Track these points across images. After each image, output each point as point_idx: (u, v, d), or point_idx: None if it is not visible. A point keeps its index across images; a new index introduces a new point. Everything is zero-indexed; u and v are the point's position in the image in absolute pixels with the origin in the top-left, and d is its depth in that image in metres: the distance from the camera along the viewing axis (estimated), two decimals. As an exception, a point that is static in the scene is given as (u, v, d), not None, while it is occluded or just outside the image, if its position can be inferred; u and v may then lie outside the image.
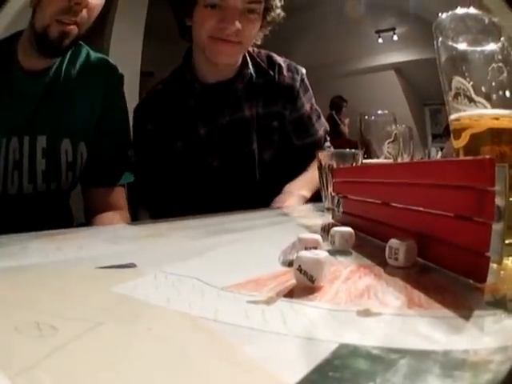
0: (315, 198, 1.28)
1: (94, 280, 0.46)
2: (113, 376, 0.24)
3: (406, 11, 5.62)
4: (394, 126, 1.26)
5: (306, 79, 1.47)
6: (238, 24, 1.17)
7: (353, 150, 1.05)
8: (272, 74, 1.39)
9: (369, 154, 1.20)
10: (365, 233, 0.63)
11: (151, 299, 0.37)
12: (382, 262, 0.47)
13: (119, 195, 1.23)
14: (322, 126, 1.50)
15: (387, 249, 0.46)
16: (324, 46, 5.98)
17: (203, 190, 1.30)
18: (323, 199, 1.06)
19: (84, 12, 1.01)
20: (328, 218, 0.87)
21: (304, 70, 1.48)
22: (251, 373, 0.24)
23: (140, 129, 1.35)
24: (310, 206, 1.21)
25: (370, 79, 6.72)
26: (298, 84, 1.43)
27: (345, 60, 6.62)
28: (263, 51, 1.43)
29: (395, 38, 6.44)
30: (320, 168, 1.05)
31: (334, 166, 1.00)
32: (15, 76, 1.07)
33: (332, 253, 0.50)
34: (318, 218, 0.95)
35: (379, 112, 1.28)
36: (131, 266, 0.51)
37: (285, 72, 1.41)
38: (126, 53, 3.81)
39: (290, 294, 0.38)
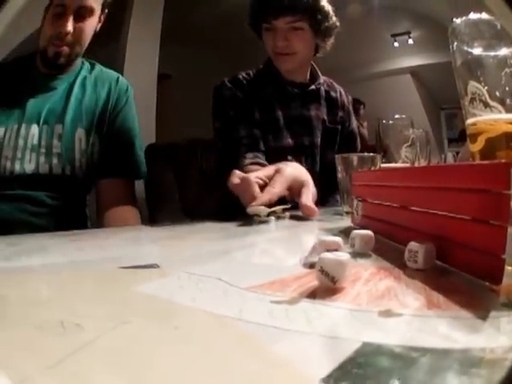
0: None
1: (117, 280, 0.48)
2: (139, 374, 0.24)
3: (420, 14, 5.61)
4: (411, 130, 1.27)
5: None
6: (285, 41, 1.48)
7: (371, 154, 1.06)
8: (335, 92, 1.70)
9: (387, 158, 1.21)
10: (384, 236, 0.64)
11: (176, 298, 0.39)
12: (401, 265, 0.48)
13: (128, 190, 1.35)
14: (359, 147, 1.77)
15: (406, 251, 0.47)
16: (340, 50, 5.95)
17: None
18: (340, 203, 1.07)
19: (69, 37, 1.22)
20: (347, 222, 0.87)
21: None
22: (279, 369, 0.25)
23: (224, 94, 1.56)
24: (328, 209, 1.22)
25: (386, 83, 6.70)
26: (350, 107, 1.76)
27: (361, 64, 6.61)
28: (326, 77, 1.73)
29: (410, 41, 6.41)
30: (339, 170, 1.06)
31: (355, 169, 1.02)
32: (36, 77, 1.29)
33: (352, 255, 0.51)
34: (337, 222, 0.96)
35: (396, 116, 1.29)
36: (154, 266, 0.52)
37: (343, 95, 1.73)
38: (143, 56, 3.85)
39: (313, 294, 0.39)
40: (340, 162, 1.08)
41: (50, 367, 0.25)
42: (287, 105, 1.57)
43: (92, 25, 1.27)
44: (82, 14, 1.22)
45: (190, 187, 1.70)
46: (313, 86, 1.63)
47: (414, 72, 6.77)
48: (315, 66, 1.67)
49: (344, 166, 1.06)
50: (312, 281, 0.42)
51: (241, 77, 1.60)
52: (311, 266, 0.48)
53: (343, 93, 1.75)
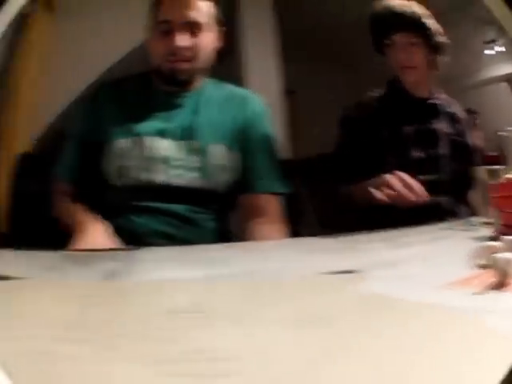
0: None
1: (325, 283, 0.59)
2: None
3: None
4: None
5: None
6: (406, 53, 1.55)
7: (504, 167, 1.13)
8: (452, 107, 1.72)
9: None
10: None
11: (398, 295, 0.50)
12: None
13: (272, 204, 1.32)
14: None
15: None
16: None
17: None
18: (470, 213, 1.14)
19: (184, 52, 1.19)
20: (487, 231, 0.95)
21: None
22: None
23: (354, 118, 1.65)
24: (463, 221, 1.29)
25: (484, 92, 6.56)
26: (466, 127, 1.74)
27: (462, 73, 6.50)
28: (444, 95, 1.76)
29: (499, 48, 6.27)
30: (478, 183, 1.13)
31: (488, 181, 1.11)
32: (157, 94, 1.27)
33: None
34: (479, 232, 1.02)
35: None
36: (351, 271, 0.63)
37: (459, 114, 1.73)
38: (264, 72, 3.81)
39: (495, 286, 0.49)
40: (483, 174, 1.17)
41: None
42: (413, 120, 1.63)
43: (207, 40, 1.24)
44: (192, 29, 1.20)
45: (325, 199, 1.78)
46: (433, 100, 1.68)
47: (510, 79, 6.59)
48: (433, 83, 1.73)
49: (484, 178, 1.14)
50: (489, 278, 0.51)
51: (372, 97, 1.69)
52: (483, 266, 0.58)
53: (460, 108, 1.80)
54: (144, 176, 1.21)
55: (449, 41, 1.61)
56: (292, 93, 4.45)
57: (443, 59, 1.62)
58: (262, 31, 3.86)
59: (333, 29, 4.71)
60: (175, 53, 1.19)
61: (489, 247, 0.61)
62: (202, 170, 1.24)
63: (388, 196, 1.31)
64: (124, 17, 2.12)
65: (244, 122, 1.32)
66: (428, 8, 1.63)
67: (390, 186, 1.33)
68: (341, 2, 4.46)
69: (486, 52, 6.31)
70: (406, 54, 1.56)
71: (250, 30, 3.86)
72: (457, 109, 1.74)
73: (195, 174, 1.24)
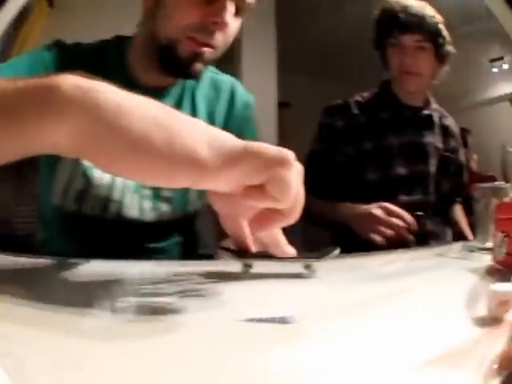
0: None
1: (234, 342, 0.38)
2: None
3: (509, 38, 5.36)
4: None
5: None
6: (413, 59, 1.44)
7: (506, 183, 0.95)
8: (447, 120, 1.63)
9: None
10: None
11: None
12: None
13: None
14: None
15: None
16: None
17: (384, 194, 1.39)
18: (468, 237, 0.95)
19: (219, 35, 0.87)
20: (485, 260, 0.75)
21: None
22: None
23: (321, 122, 1.56)
24: (457, 245, 1.09)
25: (487, 111, 6.40)
26: (459, 137, 1.68)
27: (462, 92, 6.36)
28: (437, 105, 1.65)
29: (505, 66, 6.13)
30: (477, 202, 0.95)
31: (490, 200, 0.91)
32: (133, 88, 0.96)
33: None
34: (476, 261, 0.83)
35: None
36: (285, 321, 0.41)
37: (454, 123, 1.66)
38: (259, 84, 3.77)
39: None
40: (479, 192, 0.98)
41: None
42: (402, 131, 1.50)
43: (236, 28, 0.92)
44: (239, 6, 0.88)
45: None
46: (427, 111, 1.56)
47: (513, 99, 6.44)
48: (428, 92, 1.62)
49: (482, 197, 0.96)
50: (494, 347, 0.31)
51: (353, 101, 1.55)
52: (487, 322, 0.37)
53: (453, 121, 1.67)
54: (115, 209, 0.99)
55: (454, 51, 1.51)
56: (287, 105, 4.43)
57: (445, 70, 1.53)
58: (261, 43, 3.93)
59: (330, 43, 4.72)
60: (213, 32, 0.86)
61: (503, 295, 0.40)
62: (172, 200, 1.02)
63: (385, 237, 1.23)
64: (123, 13, 2.01)
65: (227, 125, 1.05)
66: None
67: (375, 220, 1.24)
68: (338, 17, 4.50)
69: (494, 70, 6.21)
70: (412, 59, 1.43)
71: (249, 41, 3.77)
72: (450, 122, 1.63)
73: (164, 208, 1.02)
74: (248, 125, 1.11)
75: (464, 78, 5.96)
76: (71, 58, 0.92)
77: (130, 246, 0.91)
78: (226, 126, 1.04)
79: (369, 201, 1.33)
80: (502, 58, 6.04)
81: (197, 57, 0.88)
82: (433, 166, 1.52)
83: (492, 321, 0.38)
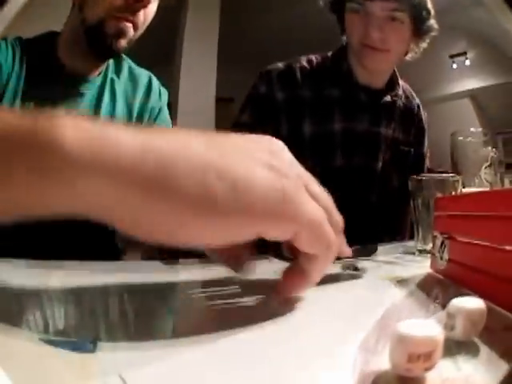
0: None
1: None
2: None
3: (476, 33, 5.36)
4: (489, 148, 1.05)
5: None
6: (380, 32, 1.15)
7: (453, 175, 0.83)
8: (412, 105, 1.40)
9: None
10: (486, 298, 0.40)
11: None
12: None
13: None
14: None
15: None
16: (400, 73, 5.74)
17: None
18: (415, 237, 0.83)
19: (141, 14, 0.96)
20: (424, 267, 0.62)
21: None
22: None
23: (267, 95, 1.25)
24: (394, 245, 0.96)
25: (445, 108, 6.39)
26: (425, 126, 1.45)
27: (421, 88, 6.34)
28: (402, 81, 1.41)
29: (468, 62, 6.12)
30: (412, 196, 0.83)
31: (434, 194, 0.78)
32: (57, 75, 1.00)
33: (449, 350, 0.28)
34: (410, 267, 0.70)
35: (472, 130, 1.07)
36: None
37: (421, 110, 1.42)
38: (199, 79, 3.78)
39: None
40: (414, 184, 0.84)
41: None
42: (352, 116, 1.26)
43: (153, 11, 1.02)
44: None
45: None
46: (389, 97, 1.31)
47: (473, 95, 6.45)
48: (396, 70, 1.36)
49: (418, 190, 0.82)
50: None
51: (297, 66, 1.27)
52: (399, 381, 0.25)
53: (421, 107, 1.43)
54: None
55: (437, 27, 1.24)
56: (231, 100, 4.40)
57: (423, 46, 1.28)
58: (204, 39, 3.90)
59: (272, 41, 4.69)
60: (137, 10, 0.95)
61: (410, 342, 0.27)
62: None
63: None
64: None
65: (142, 117, 1.15)
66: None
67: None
68: (282, 17, 4.49)
69: (454, 66, 6.19)
70: (380, 32, 1.14)
71: (192, 38, 3.90)
72: (418, 106, 1.40)
73: None
74: (161, 115, 1.19)
75: (421, 73, 5.94)
76: (9, 51, 0.98)
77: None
78: (141, 116, 1.14)
79: None
80: (465, 53, 6.03)
81: (121, 33, 0.95)
82: (380, 161, 1.30)
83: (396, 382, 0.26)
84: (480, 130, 1.08)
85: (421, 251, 0.79)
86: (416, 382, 0.25)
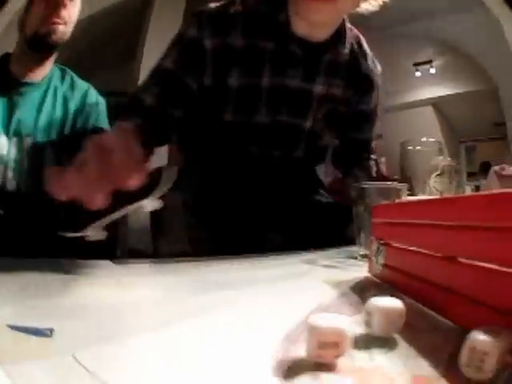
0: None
1: None
2: None
3: (442, 41, 5.44)
4: (440, 158, 1.07)
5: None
6: None
7: (396, 183, 0.86)
8: (359, 60, 1.23)
9: (411, 189, 1.01)
10: (416, 299, 0.43)
11: None
12: (450, 368, 0.27)
13: None
14: (376, 129, 1.38)
15: (465, 350, 0.26)
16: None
17: (238, 142, 1.15)
18: (357, 243, 0.85)
19: (66, 13, 1.21)
20: (363, 271, 0.65)
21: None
22: None
23: (195, 40, 1.12)
24: (339, 250, 0.98)
25: (406, 115, 6.47)
26: (376, 78, 1.29)
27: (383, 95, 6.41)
28: (355, 30, 1.24)
29: (432, 70, 6.20)
30: (355, 203, 0.85)
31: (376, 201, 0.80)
32: (7, 81, 1.23)
33: (366, 344, 0.31)
34: (349, 270, 0.73)
35: (423, 139, 1.09)
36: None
37: (369, 61, 1.26)
38: None
39: None
40: (355, 192, 0.87)
41: None
42: (283, 71, 1.13)
43: (78, 7, 1.27)
44: None
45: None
46: (331, 55, 1.17)
47: (436, 103, 6.55)
48: (346, 19, 1.20)
49: (360, 198, 0.85)
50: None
51: (232, 10, 1.13)
52: (286, 374, 0.28)
53: (370, 56, 1.27)
54: None
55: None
56: None
57: None
58: (166, 38, 3.90)
59: None
60: (59, 12, 1.21)
61: (318, 332, 0.30)
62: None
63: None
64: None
65: (76, 121, 1.32)
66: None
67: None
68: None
69: (417, 74, 6.28)
70: None
71: (154, 37, 3.82)
72: (367, 62, 1.25)
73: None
74: (98, 121, 1.36)
75: (383, 80, 6.00)
76: None
77: None
78: (76, 120, 1.32)
79: (222, 146, 1.12)
80: (430, 62, 6.11)
81: (52, 32, 1.21)
82: (309, 121, 1.19)
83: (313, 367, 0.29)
84: (432, 139, 1.11)
85: (363, 256, 0.81)
86: (327, 367, 0.29)
